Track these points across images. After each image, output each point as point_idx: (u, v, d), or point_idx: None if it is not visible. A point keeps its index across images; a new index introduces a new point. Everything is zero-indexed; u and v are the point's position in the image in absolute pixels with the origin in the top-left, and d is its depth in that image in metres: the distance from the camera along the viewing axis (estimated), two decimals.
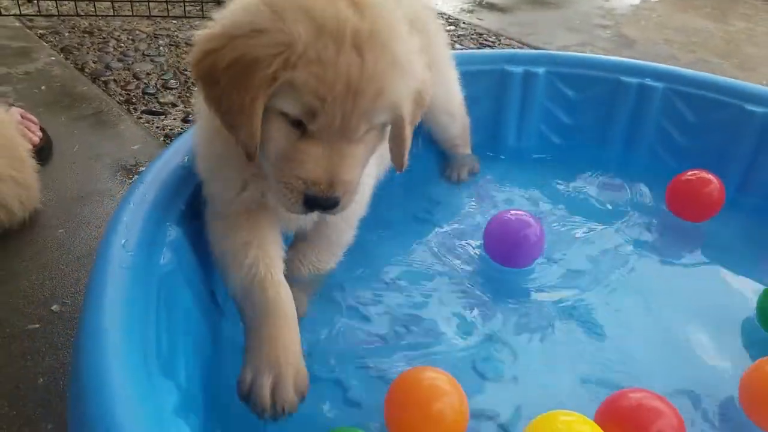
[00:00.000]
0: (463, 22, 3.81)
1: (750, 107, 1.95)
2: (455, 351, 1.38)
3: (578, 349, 1.41)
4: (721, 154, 1.99)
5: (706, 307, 1.54)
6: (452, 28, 3.70)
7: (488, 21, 3.90)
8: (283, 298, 1.14)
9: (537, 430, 1.06)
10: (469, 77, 2.00)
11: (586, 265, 1.67)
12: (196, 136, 1.27)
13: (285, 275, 1.21)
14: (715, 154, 1.99)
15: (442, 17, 3.87)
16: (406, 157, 1.18)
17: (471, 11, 4.07)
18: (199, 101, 1.19)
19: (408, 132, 1.13)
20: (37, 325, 1.48)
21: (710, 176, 1.81)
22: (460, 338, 1.42)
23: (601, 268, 1.66)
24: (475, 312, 1.49)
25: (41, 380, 1.34)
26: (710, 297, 1.59)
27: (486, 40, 3.54)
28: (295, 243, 1.41)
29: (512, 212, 1.61)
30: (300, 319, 1.18)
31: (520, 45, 3.51)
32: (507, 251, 1.59)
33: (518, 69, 2.07)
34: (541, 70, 2.08)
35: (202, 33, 1.01)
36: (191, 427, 0.86)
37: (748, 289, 1.61)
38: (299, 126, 1.00)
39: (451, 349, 1.38)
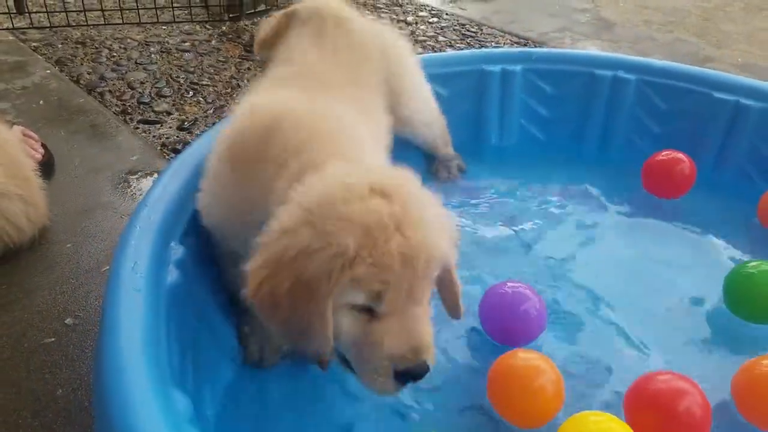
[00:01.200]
0: (446, 14, 3.88)
1: (718, 95, 2.05)
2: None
3: (556, 334, 1.52)
4: (694, 139, 2.10)
5: (686, 284, 1.67)
6: (435, 20, 3.77)
7: (471, 11, 3.96)
8: None
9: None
10: (449, 79, 2.10)
11: (571, 248, 1.80)
12: (205, 197, 1.33)
13: None
14: (687, 140, 2.10)
15: (425, 9, 3.94)
16: (461, 299, 1.23)
17: (454, 1, 4.13)
18: (211, 161, 1.31)
19: (456, 275, 1.20)
20: (53, 339, 1.59)
21: (682, 155, 1.95)
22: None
23: (586, 251, 1.79)
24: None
25: (60, 391, 1.45)
26: (688, 271, 1.72)
27: (468, 30, 3.62)
28: None
29: (509, 285, 1.49)
30: None
31: (501, 33, 3.59)
32: (506, 329, 1.47)
33: (496, 68, 2.17)
34: (518, 67, 2.17)
35: (253, 264, 1.03)
36: None
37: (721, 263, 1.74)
38: (368, 311, 1.03)
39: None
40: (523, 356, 1.30)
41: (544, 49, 2.41)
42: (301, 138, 1.18)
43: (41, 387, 1.47)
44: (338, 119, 1.28)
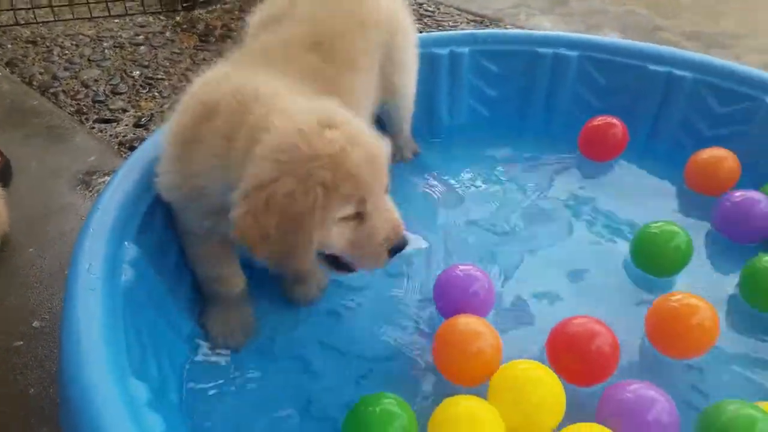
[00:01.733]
0: None
1: (652, 67, 2.14)
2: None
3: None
4: (631, 110, 2.20)
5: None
6: None
7: None
8: (234, 284, 1.53)
9: (500, 379, 1.29)
10: None
11: (516, 217, 1.92)
12: (165, 172, 1.40)
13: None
14: (626, 111, 2.19)
15: None
16: None
17: None
18: (165, 132, 1.40)
19: None
20: (21, 342, 1.64)
21: (615, 120, 2.08)
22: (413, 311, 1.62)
23: (529, 220, 1.91)
24: (422, 285, 1.68)
25: (32, 390, 1.51)
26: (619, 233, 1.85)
27: (426, 10, 3.66)
28: None
29: (460, 268, 1.58)
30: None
31: (458, 12, 3.63)
32: (458, 310, 1.53)
33: (444, 51, 2.23)
34: (465, 49, 2.23)
35: (238, 212, 1.18)
36: (163, 416, 1.05)
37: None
38: (357, 216, 1.25)
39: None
40: (463, 321, 1.40)
41: (489, 30, 2.49)
42: (239, 109, 1.29)
43: (13, 388, 1.52)
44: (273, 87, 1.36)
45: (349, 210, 1.23)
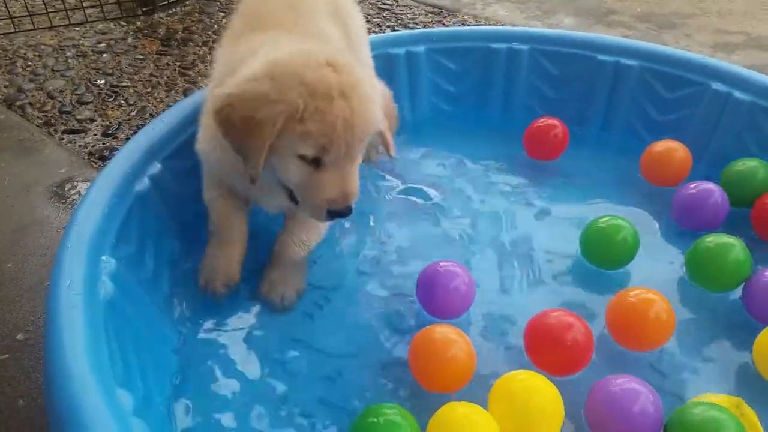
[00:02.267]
0: None
1: (601, 57, 2.25)
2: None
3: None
4: (584, 100, 2.31)
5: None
6: None
7: None
8: (233, 228, 1.65)
9: (499, 391, 1.33)
10: None
11: (476, 211, 2.01)
12: (204, 141, 1.60)
13: (279, 256, 1.69)
14: (578, 102, 2.31)
15: None
16: (392, 142, 1.58)
17: None
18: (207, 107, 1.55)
19: (389, 135, 1.56)
20: (7, 355, 1.70)
21: (555, 121, 2.16)
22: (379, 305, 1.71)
23: (487, 213, 1.99)
24: (394, 284, 1.75)
25: (21, 402, 1.57)
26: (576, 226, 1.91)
27: (384, 3, 3.72)
28: (286, 225, 1.73)
29: (441, 264, 1.62)
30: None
31: (416, 4, 3.70)
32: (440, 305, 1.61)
33: (401, 50, 2.31)
34: (421, 48, 2.32)
35: (222, 91, 1.36)
36: (149, 423, 1.13)
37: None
38: (314, 162, 1.35)
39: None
40: (438, 330, 1.43)
41: (443, 29, 2.58)
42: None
43: (2, 400, 1.58)
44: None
45: (307, 150, 1.33)
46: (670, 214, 1.92)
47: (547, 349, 1.44)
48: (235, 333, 1.61)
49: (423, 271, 1.63)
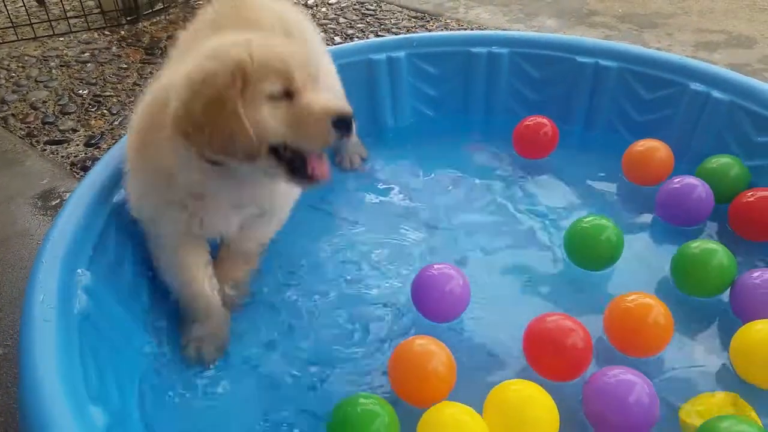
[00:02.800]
0: None
1: (580, 59, 2.26)
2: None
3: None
4: (565, 102, 2.32)
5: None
6: (335, 0, 3.85)
7: None
8: (212, 305, 1.59)
9: (493, 401, 1.32)
10: (343, 69, 2.22)
11: (465, 211, 2.02)
12: (132, 188, 1.52)
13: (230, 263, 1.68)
14: (560, 103, 2.32)
15: None
16: None
17: None
18: (130, 154, 1.48)
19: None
20: None
21: (545, 120, 2.17)
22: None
23: (476, 213, 2.02)
24: (378, 291, 1.75)
25: (0, 418, 1.57)
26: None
27: (367, 9, 3.73)
28: (218, 261, 1.69)
29: (435, 267, 1.62)
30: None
31: (399, 9, 3.71)
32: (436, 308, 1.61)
33: (381, 56, 2.31)
34: (402, 53, 2.32)
35: (172, 105, 1.28)
36: None
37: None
38: (286, 96, 1.29)
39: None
40: (418, 342, 1.42)
41: (423, 34, 2.58)
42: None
43: None
44: None
45: (274, 87, 1.28)
46: (655, 210, 1.93)
47: (546, 354, 1.44)
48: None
49: (418, 274, 1.62)
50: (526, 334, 1.47)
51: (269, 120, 1.29)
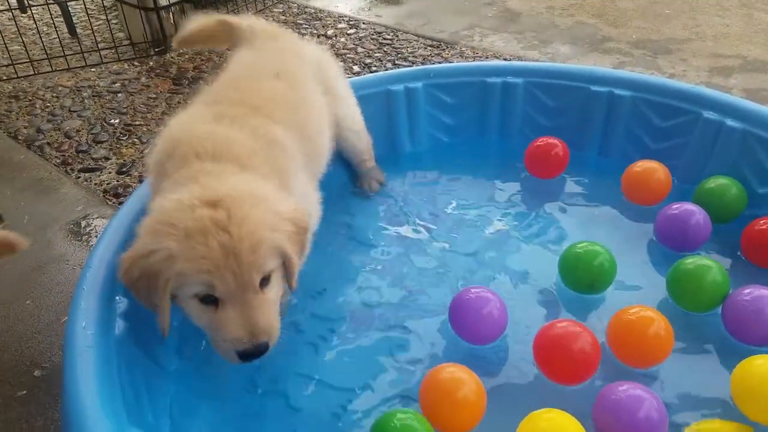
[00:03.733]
0: (363, 23, 4.08)
1: (594, 88, 2.32)
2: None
3: None
4: (580, 129, 2.38)
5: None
6: (353, 31, 3.97)
7: (385, 17, 4.18)
8: None
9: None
10: (363, 100, 2.32)
11: (479, 237, 2.09)
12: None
13: None
14: (574, 130, 2.38)
15: (344, 20, 4.14)
16: (295, 279, 1.44)
17: (369, 9, 4.33)
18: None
19: (296, 262, 1.41)
20: (25, 391, 1.78)
21: (555, 140, 2.25)
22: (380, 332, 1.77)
23: (490, 238, 2.08)
24: (398, 316, 1.81)
25: None
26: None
27: (385, 38, 3.83)
28: None
29: (473, 290, 1.67)
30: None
31: (416, 38, 3.81)
32: (474, 330, 1.66)
33: (400, 87, 2.41)
34: (419, 84, 2.41)
35: (123, 256, 1.34)
36: None
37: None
38: (212, 301, 1.29)
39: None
40: (448, 370, 1.47)
41: (440, 65, 2.66)
42: (184, 155, 1.46)
43: None
44: (226, 137, 1.51)
45: (195, 288, 1.27)
46: (654, 234, 1.99)
47: (555, 359, 1.51)
48: (239, 366, 1.67)
49: (455, 297, 1.68)
50: (536, 340, 1.55)
51: (191, 313, 1.33)
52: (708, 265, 1.69)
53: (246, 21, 2.06)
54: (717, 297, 1.68)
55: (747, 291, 1.61)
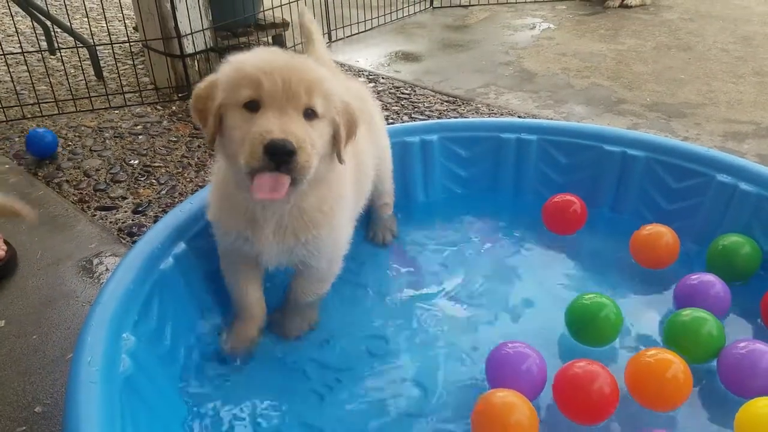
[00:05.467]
0: (382, 77, 4.19)
1: (608, 147, 2.35)
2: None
3: None
4: (593, 186, 2.39)
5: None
6: (372, 84, 4.07)
7: (404, 72, 4.29)
8: (252, 307, 1.81)
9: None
10: None
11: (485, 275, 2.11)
12: (211, 195, 1.73)
13: (293, 302, 1.86)
14: (587, 187, 2.39)
15: (363, 74, 4.25)
16: (343, 150, 1.53)
17: (388, 64, 4.46)
18: (214, 169, 1.72)
19: (342, 132, 1.50)
20: (24, 428, 1.75)
21: (573, 198, 2.26)
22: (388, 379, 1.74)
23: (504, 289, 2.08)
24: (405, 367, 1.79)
25: None
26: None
27: (402, 93, 3.92)
28: (296, 277, 1.84)
29: (510, 345, 1.66)
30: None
31: (432, 93, 3.90)
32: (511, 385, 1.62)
33: (415, 138, 2.45)
34: (434, 137, 2.46)
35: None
36: None
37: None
38: (255, 109, 1.36)
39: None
40: (500, 395, 1.51)
41: (456, 120, 2.72)
42: None
43: None
44: None
45: (243, 91, 1.36)
46: (673, 305, 1.95)
47: (573, 398, 1.53)
48: (245, 411, 1.65)
49: (492, 351, 1.67)
50: (556, 379, 1.57)
51: (229, 124, 1.40)
52: (703, 317, 1.71)
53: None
54: (712, 349, 1.69)
55: (742, 344, 1.63)
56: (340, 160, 1.55)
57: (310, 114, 1.40)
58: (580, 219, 2.26)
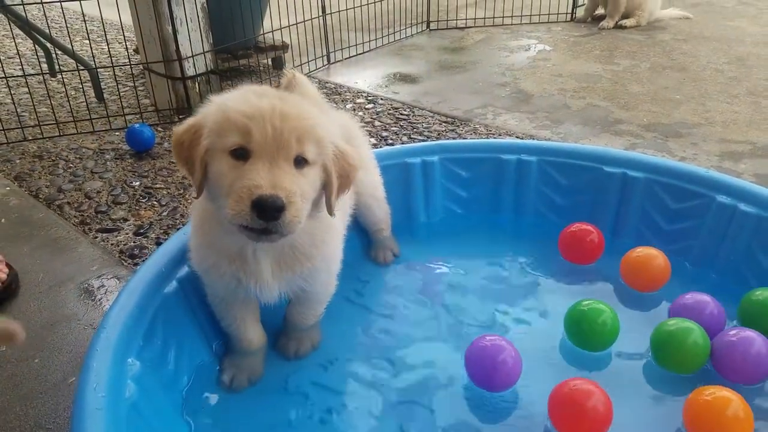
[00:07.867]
0: (381, 98, 4.22)
1: (608, 169, 2.37)
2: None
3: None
4: (593, 208, 2.40)
5: None
6: (371, 105, 4.10)
7: (402, 93, 4.33)
8: (253, 343, 1.82)
9: None
10: (381, 171, 2.37)
11: (495, 303, 2.10)
12: (192, 240, 1.68)
13: (292, 326, 1.89)
14: (588, 209, 2.40)
15: (362, 96, 4.29)
16: (334, 201, 1.49)
17: (386, 86, 4.50)
18: (192, 210, 1.70)
19: (334, 180, 1.45)
20: None
21: (590, 227, 2.26)
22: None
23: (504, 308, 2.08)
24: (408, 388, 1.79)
25: None
26: None
27: (401, 114, 3.95)
28: (293, 304, 1.86)
29: (488, 338, 1.74)
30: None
31: (431, 114, 3.93)
32: (487, 376, 1.71)
33: (417, 159, 2.47)
34: (435, 158, 2.47)
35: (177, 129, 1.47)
36: None
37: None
38: (243, 155, 1.31)
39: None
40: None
41: (457, 141, 2.75)
42: None
43: None
44: None
45: (231, 137, 1.31)
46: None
47: (569, 416, 1.54)
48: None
49: (471, 344, 1.75)
50: (551, 398, 1.59)
51: (216, 169, 1.35)
52: (689, 327, 1.74)
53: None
54: (699, 359, 1.72)
55: (733, 332, 1.71)
56: (330, 213, 1.50)
57: (300, 161, 1.36)
58: (599, 248, 2.25)
